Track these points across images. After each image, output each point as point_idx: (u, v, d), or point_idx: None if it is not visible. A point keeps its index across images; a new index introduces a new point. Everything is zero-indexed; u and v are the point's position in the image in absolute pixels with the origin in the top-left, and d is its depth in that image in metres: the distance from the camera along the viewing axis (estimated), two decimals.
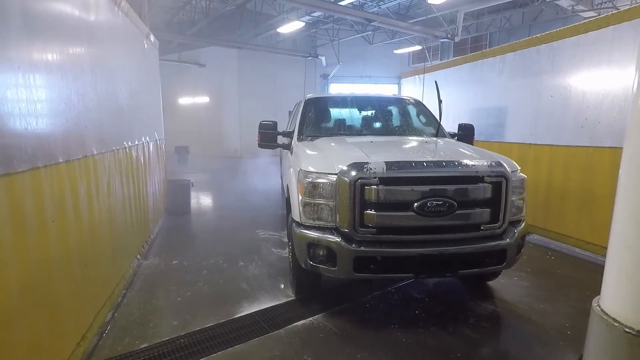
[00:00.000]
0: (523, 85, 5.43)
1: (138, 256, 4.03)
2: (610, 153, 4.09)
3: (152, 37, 5.25)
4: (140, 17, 4.54)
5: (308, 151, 3.32)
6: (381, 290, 3.49)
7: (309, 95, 4.72)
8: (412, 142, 3.66)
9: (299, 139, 3.86)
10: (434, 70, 8.03)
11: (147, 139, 4.72)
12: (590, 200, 4.35)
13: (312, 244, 2.72)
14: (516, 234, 2.79)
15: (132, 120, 4.03)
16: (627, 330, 1.42)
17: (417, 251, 2.61)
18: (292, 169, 3.27)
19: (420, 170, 2.63)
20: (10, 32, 1.73)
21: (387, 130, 4.50)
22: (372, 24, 12.09)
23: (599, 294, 1.63)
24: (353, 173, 2.57)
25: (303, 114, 4.33)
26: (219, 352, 2.54)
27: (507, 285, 3.62)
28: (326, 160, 2.89)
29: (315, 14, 13.39)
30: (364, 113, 4.76)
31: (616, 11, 4.28)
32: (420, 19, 13.22)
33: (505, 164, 2.79)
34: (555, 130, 4.86)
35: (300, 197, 2.80)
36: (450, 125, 4.52)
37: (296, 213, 2.88)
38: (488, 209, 2.69)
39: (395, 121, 4.65)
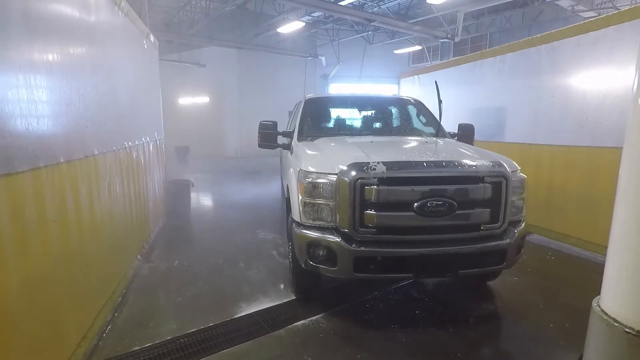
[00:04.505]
0: (523, 85, 5.42)
1: (138, 256, 4.03)
2: (611, 153, 4.09)
3: (151, 37, 5.25)
4: (140, 17, 4.54)
5: (308, 151, 3.32)
6: (381, 290, 3.49)
7: (309, 95, 4.72)
8: (412, 142, 3.67)
9: (299, 139, 3.86)
10: (433, 70, 8.02)
11: (147, 139, 4.72)
12: (591, 200, 4.35)
13: (312, 244, 2.72)
14: (516, 234, 2.79)
15: (132, 120, 4.03)
16: (627, 330, 1.42)
17: (417, 251, 2.61)
18: (292, 169, 3.27)
19: (420, 170, 2.63)
20: (11, 33, 1.74)
21: (387, 130, 4.50)
22: (372, 24, 12.09)
23: (599, 294, 1.63)
24: (353, 173, 2.57)
25: (303, 114, 4.33)
26: (219, 352, 2.54)
27: (507, 285, 3.62)
28: (326, 160, 2.89)
29: (315, 14, 13.39)
30: (364, 113, 4.76)
31: (616, 11, 4.28)
32: (420, 19, 13.22)
33: (505, 164, 2.79)
34: (556, 130, 4.86)
35: (300, 197, 2.80)
36: (450, 125, 4.52)
37: (296, 213, 2.88)
38: (488, 209, 2.69)
39: (396, 121, 4.65)
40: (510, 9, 13.17)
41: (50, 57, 2.12)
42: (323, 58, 16.47)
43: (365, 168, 2.58)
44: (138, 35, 4.51)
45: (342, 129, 4.51)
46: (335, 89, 17.51)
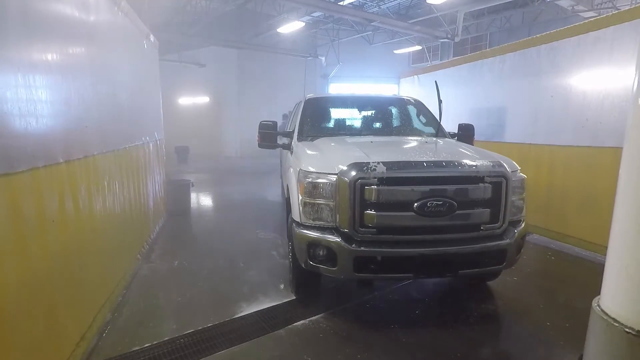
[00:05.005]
0: (523, 85, 5.42)
1: (138, 256, 4.03)
2: (611, 153, 4.09)
3: (151, 37, 5.25)
4: (140, 17, 4.54)
5: (308, 151, 3.32)
6: (381, 290, 3.49)
7: (309, 95, 4.71)
8: (412, 142, 3.66)
9: (299, 139, 3.86)
10: (433, 70, 8.02)
11: (147, 139, 4.72)
12: (592, 200, 4.35)
13: (312, 244, 2.72)
14: (516, 234, 2.79)
15: (132, 120, 4.03)
16: (627, 330, 1.42)
17: (417, 251, 2.61)
18: (292, 169, 3.27)
19: (420, 170, 2.63)
20: (9, 32, 1.73)
21: (387, 130, 4.50)
22: (372, 24, 12.09)
23: (599, 294, 1.62)
24: (353, 173, 2.57)
25: (303, 114, 4.33)
26: (219, 352, 2.54)
27: (507, 285, 3.61)
28: (326, 160, 2.89)
29: (315, 14, 13.39)
30: (364, 113, 4.76)
31: (616, 11, 4.28)
32: (420, 19, 13.22)
33: (505, 164, 2.79)
34: (556, 130, 4.86)
35: (300, 197, 2.80)
36: (450, 125, 4.52)
37: (296, 213, 2.88)
38: (488, 209, 2.68)
39: (396, 121, 4.65)
40: (510, 9, 13.17)
41: (49, 56, 2.12)
42: (323, 58, 16.46)
43: (365, 168, 2.58)
44: (138, 35, 4.51)
45: (342, 129, 4.51)
46: (335, 89, 17.50)
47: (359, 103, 4.90)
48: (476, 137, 4.37)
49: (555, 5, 11.80)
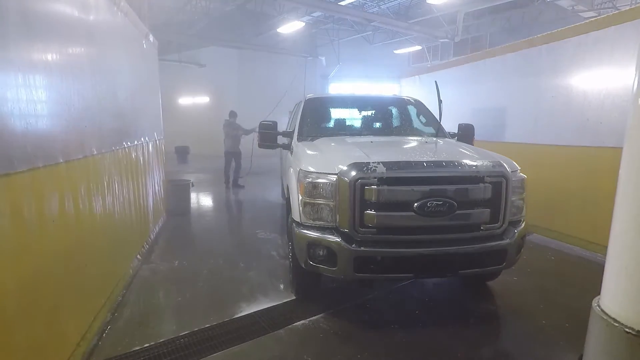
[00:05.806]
0: (524, 85, 5.42)
1: (138, 256, 4.03)
2: (612, 153, 4.09)
3: (151, 38, 5.25)
4: (139, 18, 4.54)
5: (308, 151, 3.32)
6: (381, 290, 3.48)
7: (309, 95, 4.71)
8: (412, 142, 3.66)
9: (299, 139, 3.86)
10: (435, 70, 8.02)
11: (147, 139, 4.72)
12: (592, 199, 4.35)
13: (312, 244, 2.72)
14: (516, 234, 2.79)
15: (131, 120, 4.03)
16: (627, 330, 1.41)
17: (417, 251, 2.61)
18: (292, 169, 3.27)
19: (420, 170, 2.63)
20: (9, 33, 1.73)
21: (387, 130, 4.50)
22: (372, 24, 12.10)
23: (599, 294, 1.62)
24: (353, 173, 2.57)
25: (303, 114, 4.33)
26: (219, 352, 2.54)
27: (507, 285, 3.61)
28: (326, 160, 2.89)
29: (316, 14, 13.38)
30: (364, 113, 4.76)
31: (617, 12, 4.28)
32: (420, 19, 13.21)
33: (505, 164, 2.79)
34: (557, 130, 4.86)
35: (300, 197, 2.80)
36: (451, 125, 4.52)
37: (296, 213, 2.88)
38: (488, 209, 2.68)
39: (396, 121, 4.65)
40: (510, 9, 13.16)
41: (49, 57, 2.12)
42: (323, 58, 16.45)
43: (365, 168, 2.58)
44: (137, 35, 4.51)
45: (342, 129, 4.51)
46: (335, 89, 17.49)
47: (358, 103, 4.91)
48: (478, 137, 4.37)
49: (555, 5, 11.81)
